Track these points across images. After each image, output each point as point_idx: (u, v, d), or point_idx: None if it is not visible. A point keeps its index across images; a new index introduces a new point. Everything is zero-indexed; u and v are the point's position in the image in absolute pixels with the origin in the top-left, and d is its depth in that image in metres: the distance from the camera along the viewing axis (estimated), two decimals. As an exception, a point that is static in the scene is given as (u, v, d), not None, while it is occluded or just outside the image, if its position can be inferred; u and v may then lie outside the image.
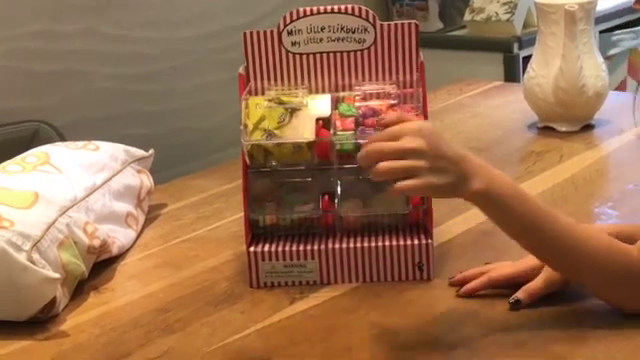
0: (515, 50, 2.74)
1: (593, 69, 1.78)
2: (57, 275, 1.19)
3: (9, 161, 1.37)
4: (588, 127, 1.82)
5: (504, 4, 2.80)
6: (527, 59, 1.92)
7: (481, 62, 2.76)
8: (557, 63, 1.76)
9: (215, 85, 2.47)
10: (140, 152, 1.55)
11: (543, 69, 1.79)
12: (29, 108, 2.13)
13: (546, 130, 1.83)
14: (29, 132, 1.96)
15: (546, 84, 1.78)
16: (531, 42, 2.74)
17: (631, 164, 1.65)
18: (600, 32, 2.88)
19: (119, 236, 1.39)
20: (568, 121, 1.81)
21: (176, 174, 1.79)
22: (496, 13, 2.80)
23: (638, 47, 3.14)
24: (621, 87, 3.03)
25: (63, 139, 2.01)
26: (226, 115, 2.22)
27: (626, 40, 3.09)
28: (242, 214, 1.28)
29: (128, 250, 1.41)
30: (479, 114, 1.99)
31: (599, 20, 2.55)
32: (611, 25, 3.02)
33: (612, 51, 2.99)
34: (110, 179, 1.43)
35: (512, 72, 2.71)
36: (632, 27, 3.11)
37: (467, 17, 2.86)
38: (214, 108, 2.49)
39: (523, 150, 1.76)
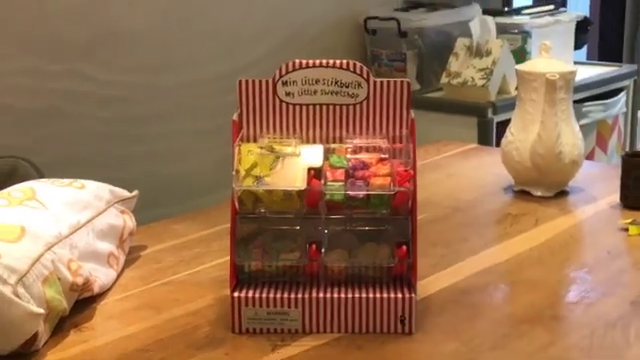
0: (489, 115, 2.80)
1: (570, 137, 1.81)
2: (41, 310, 1.19)
3: (-6, 195, 1.37)
4: (562, 193, 1.86)
5: (480, 70, 2.86)
6: (500, 124, 1.96)
7: (455, 124, 2.81)
8: (535, 129, 1.79)
9: (196, 131, 2.48)
10: (125, 193, 1.55)
11: (521, 134, 1.83)
12: (9, 144, 2.12)
13: (522, 194, 1.86)
14: (7, 168, 1.95)
15: (524, 149, 1.82)
16: (505, 108, 2.80)
17: (605, 232, 1.68)
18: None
19: (100, 275, 1.39)
20: (544, 186, 1.84)
21: (153, 217, 1.79)
22: (472, 78, 2.86)
23: (606, 119, 3.22)
24: (590, 156, 3.10)
25: (42, 176, 2.01)
26: (206, 161, 2.24)
27: (595, 112, 3.18)
28: (223, 260, 1.29)
29: (108, 290, 1.41)
30: (456, 175, 2.02)
31: (572, 91, 2.62)
32: (582, 96, 3.10)
33: (582, 121, 3.07)
34: (94, 218, 1.44)
35: (486, 136, 2.76)
36: (601, 100, 3.20)
37: (444, 80, 2.92)
38: (194, 154, 2.50)
39: (499, 212, 1.79)
